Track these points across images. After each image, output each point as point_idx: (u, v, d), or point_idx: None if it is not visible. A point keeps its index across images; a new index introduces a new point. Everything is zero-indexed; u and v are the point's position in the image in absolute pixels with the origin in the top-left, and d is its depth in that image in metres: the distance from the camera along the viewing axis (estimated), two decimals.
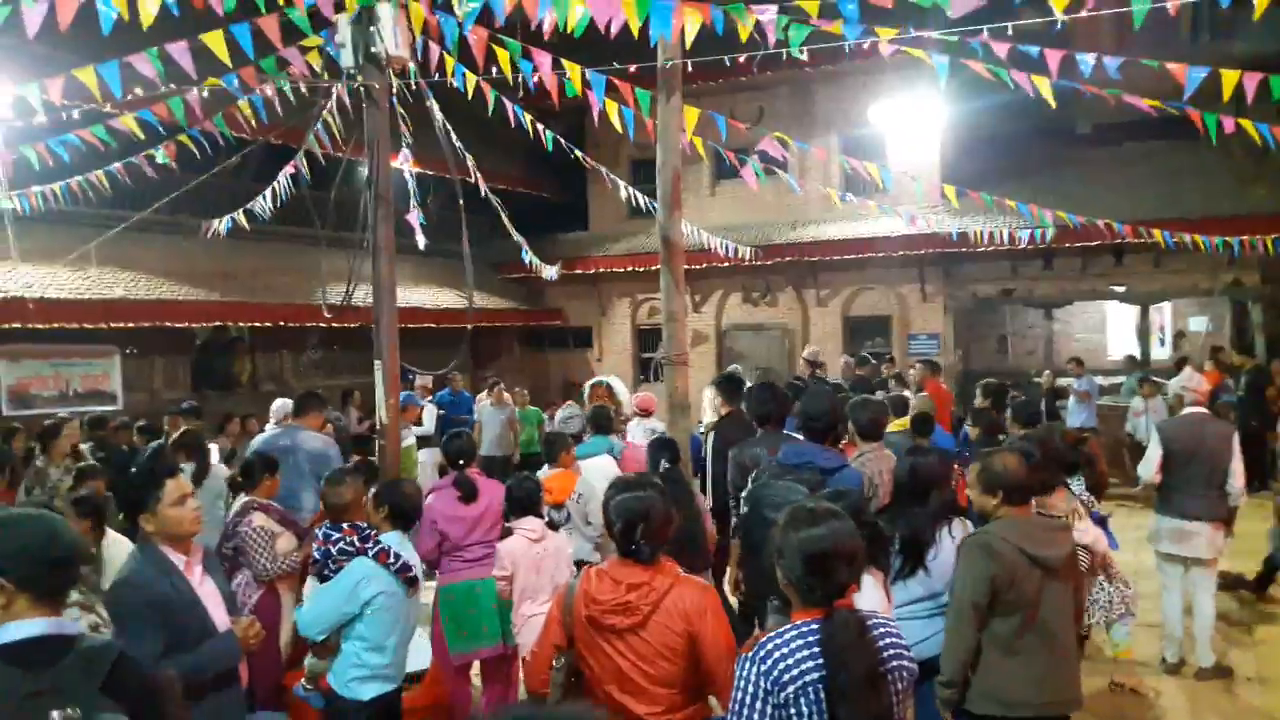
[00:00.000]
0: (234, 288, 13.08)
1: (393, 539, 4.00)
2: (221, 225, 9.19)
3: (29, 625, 2.04)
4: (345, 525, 4.13)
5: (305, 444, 6.28)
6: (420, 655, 4.82)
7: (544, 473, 5.80)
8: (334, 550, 4.08)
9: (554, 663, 2.94)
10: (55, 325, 10.70)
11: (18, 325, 10.36)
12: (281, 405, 8.33)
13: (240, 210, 8.84)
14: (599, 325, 18.70)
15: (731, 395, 6.23)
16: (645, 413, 8.09)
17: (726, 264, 13.92)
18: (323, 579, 4.07)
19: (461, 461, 5.46)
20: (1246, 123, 5.94)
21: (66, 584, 2.19)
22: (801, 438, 4.74)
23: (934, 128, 14.02)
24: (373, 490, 4.33)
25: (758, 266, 15.15)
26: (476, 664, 5.37)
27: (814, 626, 2.35)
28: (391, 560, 3.84)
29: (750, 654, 2.35)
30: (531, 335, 19.41)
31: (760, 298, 17.01)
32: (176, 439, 7.15)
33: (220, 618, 3.14)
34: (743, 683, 2.33)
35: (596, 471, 5.92)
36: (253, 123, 7.19)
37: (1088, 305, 16.67)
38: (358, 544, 3.99)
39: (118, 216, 10.02)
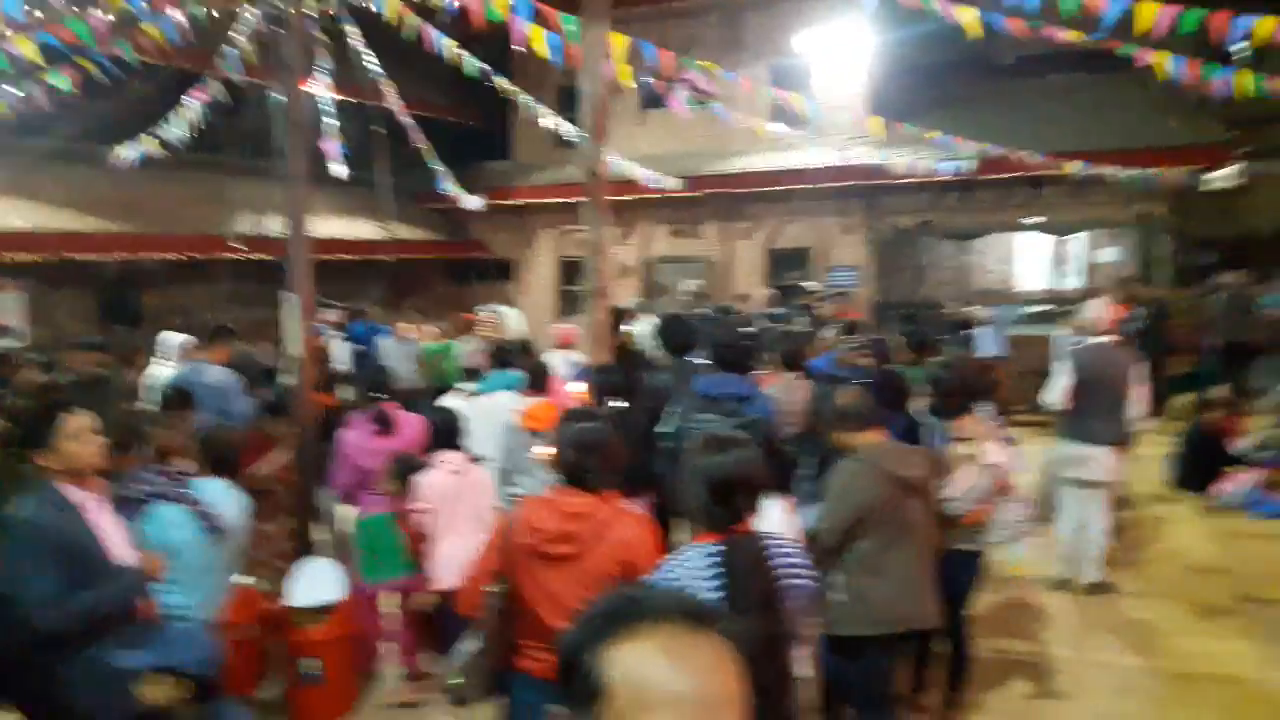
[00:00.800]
0: (143, 220, 12.59)
1: (214, 486, 3.92)
2: (130, 153, 8.81)
3: None
4: (164, 468, 4.02)
5: (206, 378, 6.12)
6: (331, 588, 4.77)
7: (525, 402, 5.71)
8: (145, 492, 3.91)
9: (491, 588, 2.97)
10: None
11: None
12: (169, 339, 7.88)
13: (149, 137, 8.49)
14: (523, 257, 18.49)
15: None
16: (566, 345, 8.07)
17: (653, 195, 13.87)
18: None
19: (378, 394, 5.39)
20: (1160, 55, 6.07)
21: None
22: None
23: (861, 58, 14.00)
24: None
25: (683, 198, 15.12)
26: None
27: (716, 548, 2.47)
28: (196, 507, 3.76)
29: (654, 575, 2.44)
30: (453, 268, 19.10)
31: (687, 229, 16.99)
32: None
33: (124, 553, 3.07)
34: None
35: (498, 407, 5.76)
36: (163, 47, 6.86)
37: (1000, 237, 17.03)
38: (168, 489, 3.87)
39: (20, 146, 9.53)
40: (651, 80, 7.74)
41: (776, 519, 3.30)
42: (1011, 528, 4.59)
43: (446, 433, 4.76)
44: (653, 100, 16.57)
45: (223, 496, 3.95)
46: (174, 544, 3.64)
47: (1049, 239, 15.66)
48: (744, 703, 1.08)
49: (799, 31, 13.74)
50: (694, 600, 1.15)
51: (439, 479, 4.63)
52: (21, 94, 7.09)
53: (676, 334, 5.59)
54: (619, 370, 5.28)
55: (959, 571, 4.37)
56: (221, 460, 4.08)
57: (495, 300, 16.77)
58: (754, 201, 16.21)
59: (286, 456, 5.35)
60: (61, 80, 6.98)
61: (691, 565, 2.46)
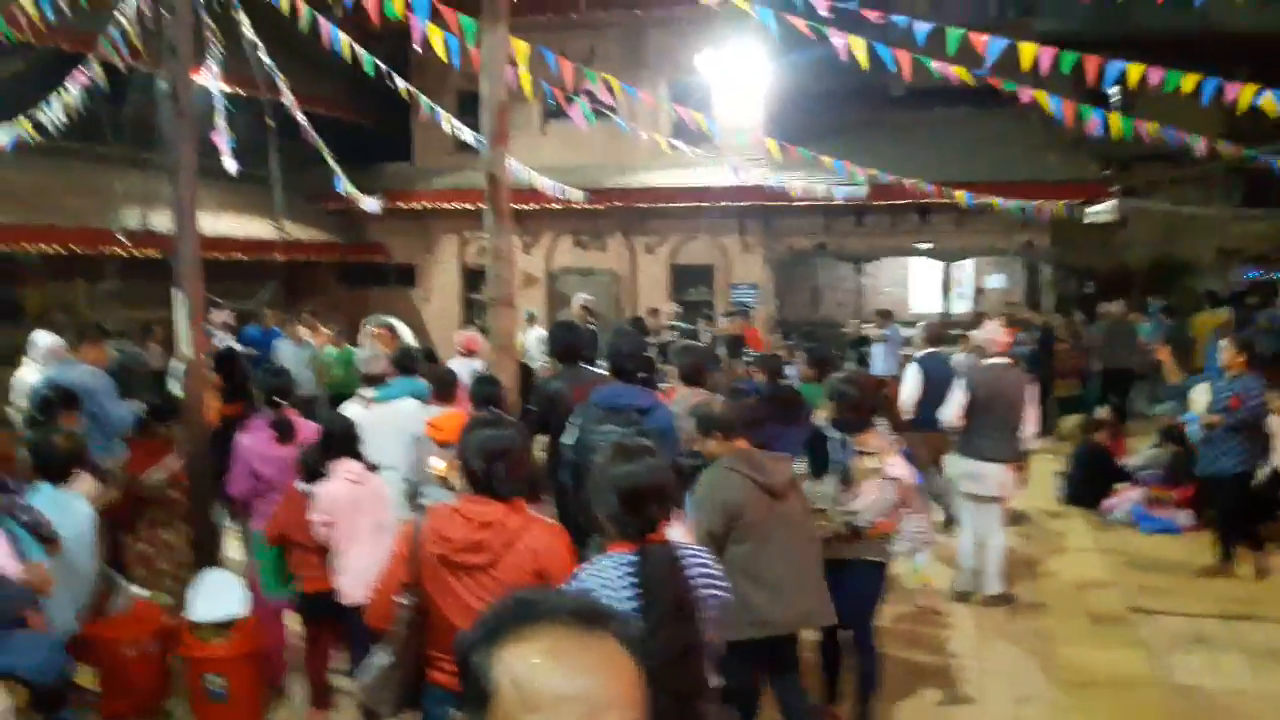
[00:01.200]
0: (18, 209, 11.95)
1: (43, 492, 3.80)
2: (2, 137, 8.37)
3: None
4: None
5: (73, 379, 5.78)
6: (233, 602, 4.62)
7: (433, 411, 5.58)
8: None
9: (401, 600, 2.90)
10: None
11: None
12: (37, 339, 7.27)
13: (24, 120, 8.08)
14: (424, 263, 18.20)
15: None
16: (469, 352, 8.00)
17: (557, 206, 13.87)
18: None
19: (278, 400, 5.25)
20: (1040, 93, 6.40)
21: None
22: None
23: (759, 81, 14.26)
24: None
25: (588, 210, 15.15)
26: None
27: (629, 558, 2.45)
28: (21, 517, 3.58)
29: (568, 585, 2.42)
30: (351, 271, 18.66)
31: (590, 242, 17.04)
32: None
33: (8, 565, 2.93)
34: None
35: (401, 415, 5.65)
36: (40, 25, 6.56)
37: (895, 261, 17.59)
38: None
39: None
40: (552, 89, 7.76)
41: (675, 533, 3.33)
42: (914, 539, 4.74)
43: (344, 440, 4.63)
44: (555, 112, 16.63)
45: (55, 504, 3.76)
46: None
47: (938, 264, 16.27)
48: (638, 704, 1.06)
49: (700, 50, 13.93)
50: (586, 601, 1.14)
51: (338, 488, 4.50)
52: None
53: (566, 342, 5.59)
54: (496, 381, 5.30)
55: (866, 583, 4.47)
56: (44, 464, 3.89)
57: (396, 306, 16.55)
58: (657, 217, 16.37)
59: (178, 463, 5.16)
60: None
61: (606, 575, 2.44)
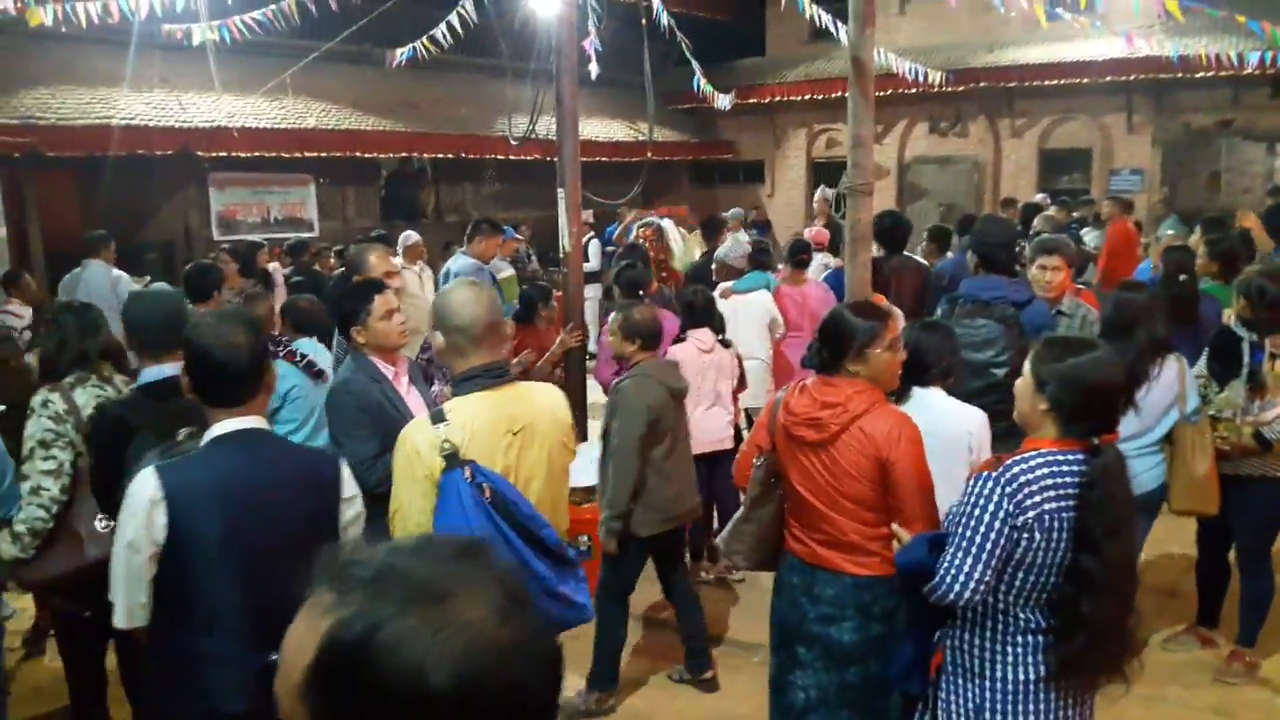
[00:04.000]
0: (417, 118, 13.39)
1: (304, 344, 4.33)
2: (404, 55, 9.32)
3: (161, 369, 2.91)
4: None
5: (459, 269, 6.47)
6: (593, 470, 5.05)
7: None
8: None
9: (754, 461, 3.04)
10: (256, 154, 11.32)
11: (224, 154, 11.01)
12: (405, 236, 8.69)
13: (424, 39, 8.92)
14: (771, 159, 18.16)
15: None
16: (818, 246, 8.00)
17: (914, 90, 13.15)
18: None
19: (640, 292, 5.54)
20: None
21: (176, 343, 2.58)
22: None
23: None
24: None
25: (948, 94, 14.26)
26: None
27: (1065, 457, 2.30)
28: (298, 359, 4.15)
29: (995, 474, 2.31)
30: (701, 169, 19.07)
31: (949, 128, 16.03)
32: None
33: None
34: (981, 500, 2.30)
35: (755, 305, 6.03)
36: None
37: None
38: (271, 349, 4.23)
39: (306, 47, 10.35)
40: None
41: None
42: None
43: (702, 311, 5.05)
44: None
45: (314, 350, 4.38)
46: (286, 390, 4.04)
47: None
48: None
49: None
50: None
51: (688, 351, 4.95)
52: None
53: (894, 232, 5.76)
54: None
55: (1271, 503, 3.99)
56: (298, 323, 4.52)
57: (744, 201, 16.73)
58: (1027, 96, 14.99)
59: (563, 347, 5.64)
60: None
61: (1035, 472, 2.28)
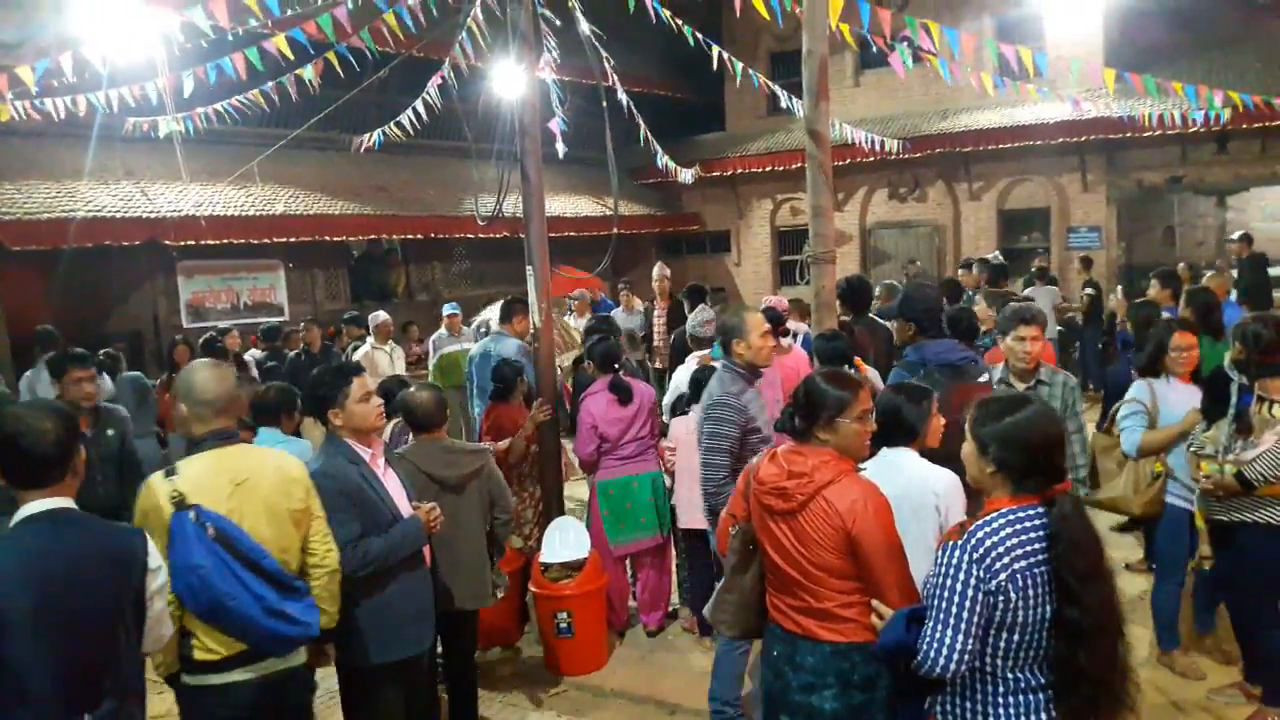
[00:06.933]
0: (385, 201, 13.51)
1: (264, 435, 4.33)
2: (372, 140, 9.46)
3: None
4: None
5: (505, 350, 6.38)
6: (580, 546, 5.06)
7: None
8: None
9: (730, 530, 3.05)
10: (224, 241, 11.35)
11: (192, 242, 11.03)
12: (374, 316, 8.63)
13: (390, 124, 9.07)
14: (736, 229, 18.46)
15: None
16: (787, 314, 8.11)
17: (871, 159, 13.49)
18: None
19: (615, 366, 5.55)
20: None
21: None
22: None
23: (1097, 1, 12.99)
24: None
25: (905, 160, 14.61)
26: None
27: (1026, 513, 2.33)
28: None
29: (959, 541, 2.32)
30: (668, 241, 19.34)
31: (909, 193, 16.40)
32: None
33: (403, 506, 3.37)
34: (951, 570, 2.31)
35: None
36: (400, 35, 7.30)
37: (1265, 192, 15.39)
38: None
39: (273, 135, 10.47)
40: (872, 38, 7.50)
41: None
42: None
43: (695, 388, 5.06)
44: (868, 62, 16.14)
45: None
46: None
47: None
48: None
49: None
50: None
51: (685, 427, 5.02)
52: (275, 85, 7.78)
53: (859, 294, 6.02)
54: (841, 337, 5.25)
55: (1259, 549, 3.97)
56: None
57: (711, 272, 16.93)
58: (982, 160, 15.42)
59: (536, 422, 5.63)
60: (308, 72, 7.58)
61: (1020, 529, 2.31)
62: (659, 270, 10.56)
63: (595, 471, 5.38)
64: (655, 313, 10.51)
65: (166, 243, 10.88)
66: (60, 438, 2.39)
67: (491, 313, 8.51)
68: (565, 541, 5.08)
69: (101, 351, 7.71)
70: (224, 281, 12.53)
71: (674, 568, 5.68)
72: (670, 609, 5.62)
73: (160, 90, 7.24)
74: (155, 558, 2.53)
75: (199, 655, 2.77)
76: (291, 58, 6.80)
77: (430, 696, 3.78)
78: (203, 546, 2.68)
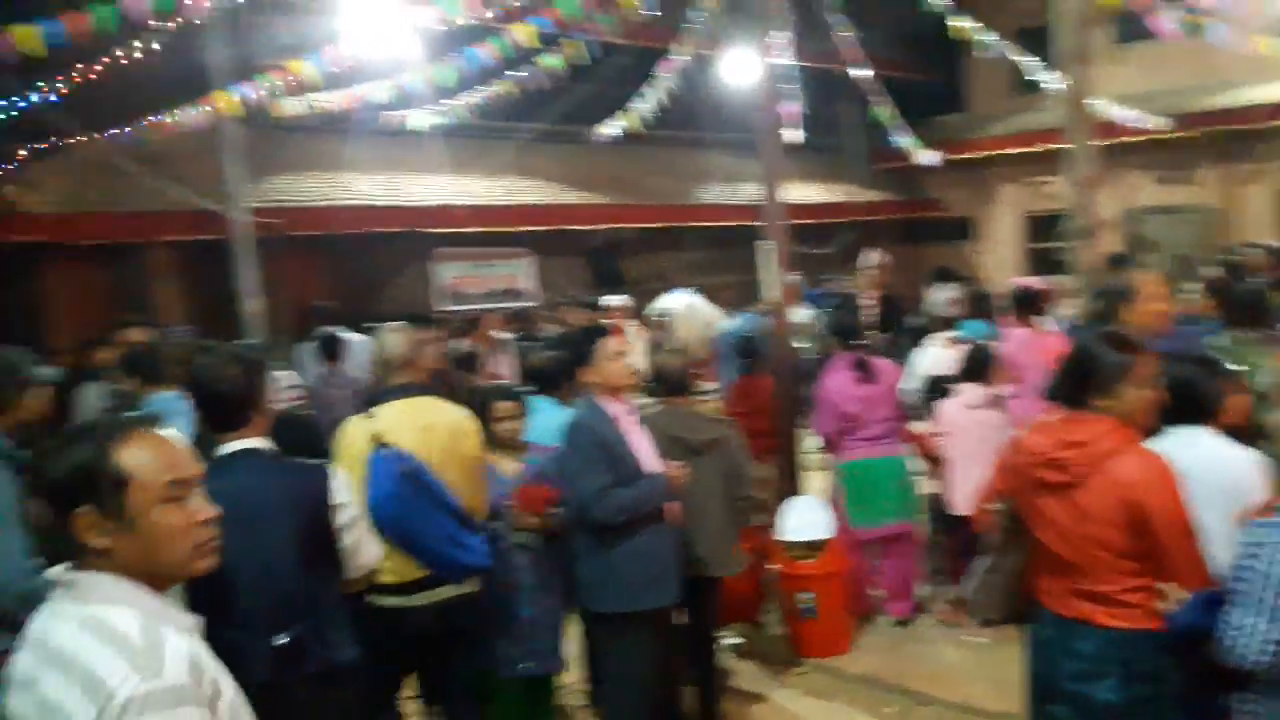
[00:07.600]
0: (621, 191, 13.93)
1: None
2: (610, 132, 9.79)
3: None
4: None
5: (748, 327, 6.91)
6: (820, 525, 5.00)
7: None
8: None
9: (993, 506, 2.91)
10: (478, 230, 12.14)
11: (450, 230, 11.86)
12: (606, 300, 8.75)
13: (630, 116, 9.36)
14: (980, 214, 17.61)
15: None
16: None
17: (1133, 139, 12.52)
18: None
19: (851, 340, 5.48)
20: None
21: None
22: None
23: None
24: None
25: (1172, 140, 13.46)
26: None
27: None
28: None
29: (1274, 520, 2.15)
30: (909, 228, 18.67)
31: (1175, 176, 15.05)
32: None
33: (650, 463, 3.51)
34: (1263, 550, 2.14)
35: None
36: (633, 23, 7.48)
37: None
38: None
39: (516, 128, 11.07)
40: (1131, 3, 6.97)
41: None
42: None
43: (973, 366, 5.07)
44: (1131, 33, 14.90)
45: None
46: None
47: None
48: None
49: None
50: None
51: (952, 408, 5.01)
52: (525, 74, 8.16)
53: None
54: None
55: None
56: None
57: (954, 259, 16.25)
58: (1264, 139, 13.91)
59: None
60: (555, 61, 7.88)
61: None
62: (875, 257, 8.32)
63: (837, 451, 5.33)
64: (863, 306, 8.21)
65: (425, 230, 11.72)
66: (243, 382, 2.57)
67: (670, 301, 8.58)
68: (806, 520, 5.04)
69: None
70: (475, 268, 13.31)
71: (922, 557, 5.53)
72: (917, 601, 5.46)
73: (419, 85, 7.76)
74: (342, 493, 2.68)
75: (386, 578, 3.05)
76: (539, 46, 7.13)
77: (672, 654, 3.90)
78: (396, 480, 3.04)
